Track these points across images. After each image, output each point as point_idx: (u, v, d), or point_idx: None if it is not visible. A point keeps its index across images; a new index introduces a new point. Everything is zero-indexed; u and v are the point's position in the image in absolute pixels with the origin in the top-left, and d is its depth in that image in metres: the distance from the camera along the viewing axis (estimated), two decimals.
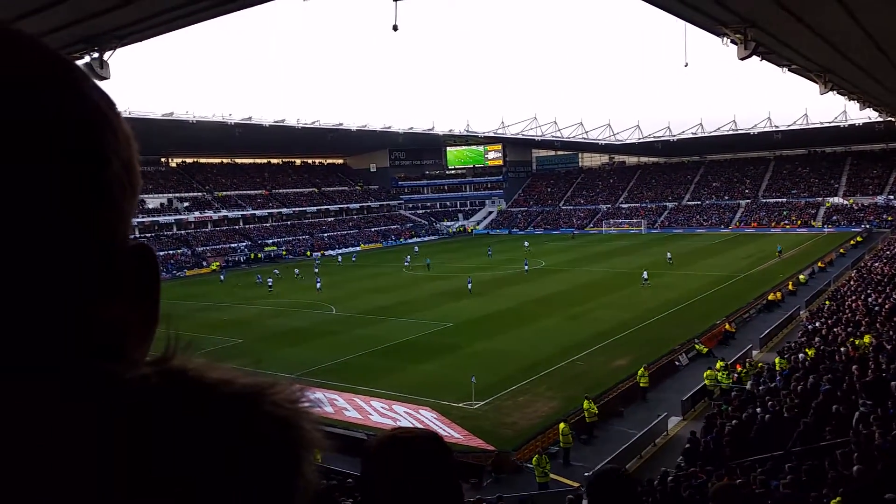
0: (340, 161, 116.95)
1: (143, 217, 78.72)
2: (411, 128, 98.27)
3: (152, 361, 0.49)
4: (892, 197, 77.53)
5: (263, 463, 0.46)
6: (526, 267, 53.71)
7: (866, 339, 19.62)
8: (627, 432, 19.61)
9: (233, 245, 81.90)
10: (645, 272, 45.69)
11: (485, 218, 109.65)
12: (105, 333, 0.47)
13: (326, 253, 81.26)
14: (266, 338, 35.00)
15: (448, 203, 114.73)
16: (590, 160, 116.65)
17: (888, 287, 27.48)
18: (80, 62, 13.10)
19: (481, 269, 55.96)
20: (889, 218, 71.31)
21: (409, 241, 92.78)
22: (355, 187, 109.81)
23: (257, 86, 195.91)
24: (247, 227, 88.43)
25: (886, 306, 23.29)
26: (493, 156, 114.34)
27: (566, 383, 24.63)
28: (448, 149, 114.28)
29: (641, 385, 23.21)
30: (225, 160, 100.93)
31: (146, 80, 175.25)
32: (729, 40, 17.76)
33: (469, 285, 45.84)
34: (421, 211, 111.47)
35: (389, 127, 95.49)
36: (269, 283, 51.88)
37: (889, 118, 52.51)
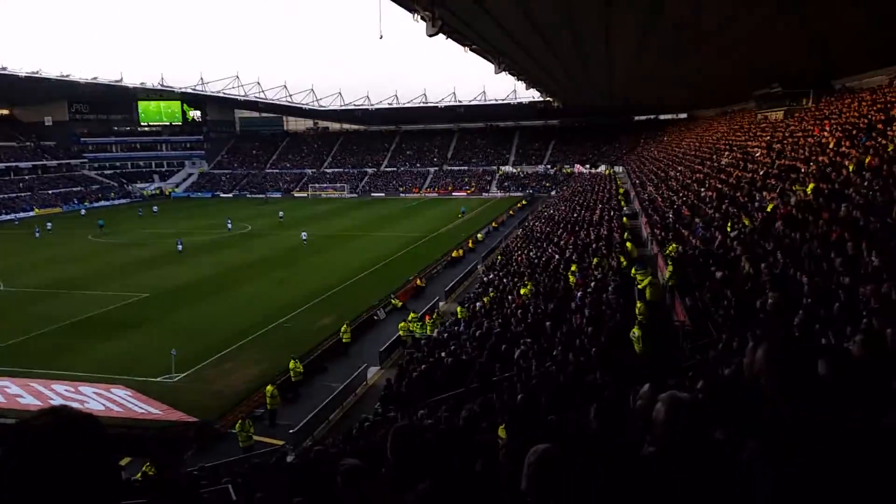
0: (6, 112, 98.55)
1: None
2: (96, 77, 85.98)
3: None
4: (549, 166, 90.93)
5: None
6: (304, 238, 49.22)
7: (528, 286, 23.11)
8: (330, 386, 20.63)
9: None
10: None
11: (184, 180, 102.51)
12: None
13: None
14: None
15: (141, 163, 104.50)
16: (295, 124, 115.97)
17: (544, 242, 32.53)
18: None
19: (187, 233, 52.33)
20: (547, 184, 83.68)
21: (97, 204, 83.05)
22: (26, 143, 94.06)
23: None
24: None
25: (543, 259, 27.66)
26: (193, 114, 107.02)
27: (273, 347, 24.83)
28: (140, 103, 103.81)
29: (344, 341, 24.50)
30: None
31: None
32: (419, 17, 19.23)
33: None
34: (109, 171, 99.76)
35: (69, 75, 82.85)
36: None
37: (547, 98, 61.36)
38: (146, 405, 19.69)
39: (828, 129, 26.14)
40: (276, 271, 38.22)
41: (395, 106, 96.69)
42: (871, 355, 4.23)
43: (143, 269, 39.52)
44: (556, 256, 26.32)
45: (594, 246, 25.40)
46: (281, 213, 65.10)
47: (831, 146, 22.17)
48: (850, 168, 17.71)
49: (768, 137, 32.54)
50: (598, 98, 59.86)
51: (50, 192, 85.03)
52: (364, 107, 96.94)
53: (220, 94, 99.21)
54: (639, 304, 13.36)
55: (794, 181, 19.99)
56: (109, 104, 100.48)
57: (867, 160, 17.45)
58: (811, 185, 17.75)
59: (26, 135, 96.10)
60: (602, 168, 79.79)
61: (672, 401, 2.42)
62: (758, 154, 29.90)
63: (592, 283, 19.44)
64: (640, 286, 17.87)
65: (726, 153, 35.12)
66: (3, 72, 74.64)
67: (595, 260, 22.26)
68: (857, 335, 4.61)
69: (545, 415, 9.78)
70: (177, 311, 29.99)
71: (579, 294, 18.74)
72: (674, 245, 19.59)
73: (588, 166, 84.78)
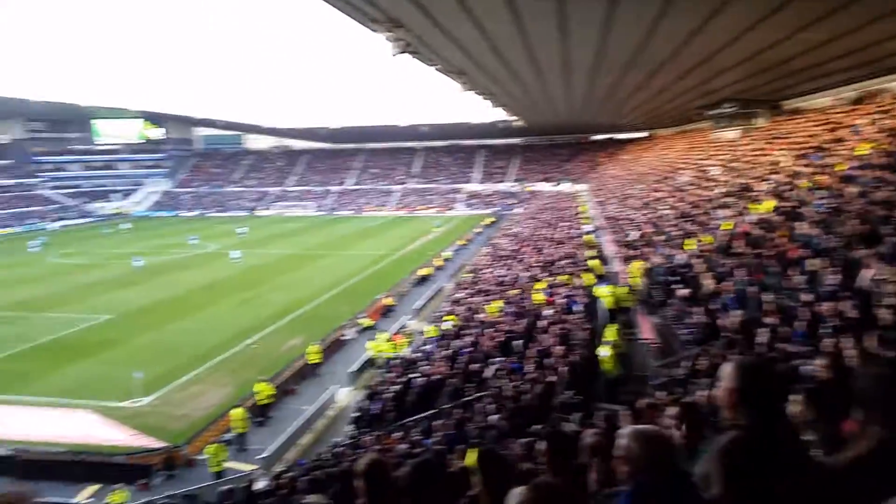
0: None
1: None
2: (50, 96, 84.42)
3: None
4: (514, 184, 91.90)
5: None
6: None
7: (496, 304, 23.33)
8: (301, 409, 20.46)
9: None
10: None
11: (145, 198, 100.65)
12: None
13: None
14: None
15: (102, 182, 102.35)
16: (257, 142, 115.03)
17: (511, 260, 32.91)
18: None
19: (149, 253, 51.34)
20: (512, 202, 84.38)
21: (54, 224, 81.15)
22: None
23: None
24: None
25: (511, 276, 27.98)
26: (153, 133, 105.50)
27: (240, 368, 24.56)
28: (97, 121, 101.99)
29: (312, 362, 24.35)
30: None
31: None
32: (384, 38, 19.49)
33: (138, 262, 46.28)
34: (67, 190, 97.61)
35: (20, 94, 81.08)
36: None
37: (510, 117, 62.18)
38: (112, 430, 19.34)
39: (782, 148, 27.13)
40: (240, 291, 37.80)
41: (358, 125, 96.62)
42: (835, 375, 4.51)
43: (106, 290, 38.71)
44: (524, 274, 26.64)
45: (559, 263, 25.81)
46: (241, 230, 64.71)
47: (784, 164, 23.06)
48: (805, 185, 18.46)
49: (725, 156, 33.59)
50: (559, 116, 60.94)
51: (5, 211, 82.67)
52: (326, 125, 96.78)
53: (179, 113, 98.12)
54: (614, 326, 13.63)
55: (751, 199, 20.73)
56: (66, 122, 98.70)
57: (819, 178, 18.23)
58: (769, 203, 18.43)
59: None
60: (565, 186, 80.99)
61: (643, 436, 2.53)
62: (715, 172, 30.85)
63: (559, 302, 19.79)
64: (603, 297, 18.34)
65: (684, 171, 36.12)
66: None
67: (562, 278, 22.62)
68: (818, 357, 4.91)
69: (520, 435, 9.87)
70: (141, 334, 29.43)
71: (549, 312, 19.04)
72: (638, 263, 20.08)
73: (552, 184, 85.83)
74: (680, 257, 18.22)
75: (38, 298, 36.88)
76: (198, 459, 17.73)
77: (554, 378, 12.92)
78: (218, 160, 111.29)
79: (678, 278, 16.27)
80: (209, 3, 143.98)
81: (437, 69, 28.01)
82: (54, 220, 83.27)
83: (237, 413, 18.92)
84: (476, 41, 21.79)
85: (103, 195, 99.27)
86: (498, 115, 57.98)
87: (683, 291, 14.87)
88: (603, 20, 17.97)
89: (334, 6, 17.26)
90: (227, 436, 18.99)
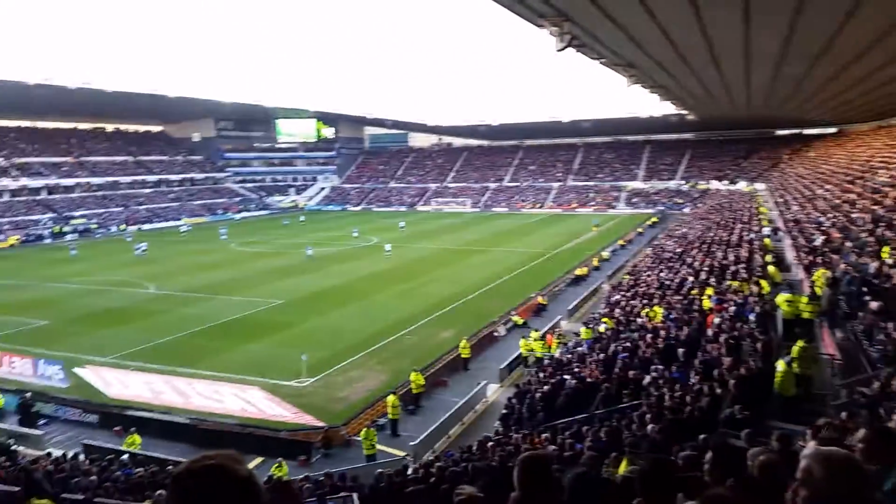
0: (159, 128, 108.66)
1: None
2: (239, 98, 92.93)
3: None
4: (682, 182, 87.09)
5: None
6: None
7: (658, 310, 22.11)
8: (451, 401, 20.68)
9: (34, 217, 73.52)
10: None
11: (317, 194, 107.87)
12: None
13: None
14: (77, 319, 32.22)
15: (279, 177, 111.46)
16: (420, 140, 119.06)
17: (677, 263, 31.06)
18: None
19: (322, 243, 54.87)
20: (679, 201, 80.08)
21: (237, 216, 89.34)
22: (176, 157, 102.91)
23: (62, 45, 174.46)
24: (51, 197, 79.69)
25: (676, 280, 26.39)
26: (326, 131, 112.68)
27: (396, 357, 25.38)
28: (279, 121, 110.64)
29: (463, 356, 24.53)
30: (24, 123, 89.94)
31: None
32: (548, 32, 19.05)
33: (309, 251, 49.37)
34: (250, 185, 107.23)
35: (214, 96, 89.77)
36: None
37: (681, 111, 58.94)
38: (279, 407, 20.66)
39: None
40: (399, 283, 39.13)
41: (518, 121, 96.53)
42: None
43: (279, 277, 41.77)
44: (690, 278, 25.03)
45: (733, 268, 23.94)
46: (402, 224, 67.36)
47: None
48: None
49: None
50: (737, 111, 56.70)
51: (197, 202, 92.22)
52: (487, 122, 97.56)
53: (352, 113, 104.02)
54: (800, 343, 12.25)
55: None
56: (251, 122, 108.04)
57: None
58: None
59: (176, 149, 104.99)
60: (741, 185, 75.40)
61: (829, 458, 2.15)
62: None
63: (731, 309, 18.29)
64: (780, 307, 16.65)
65: (881, 171, 32.13)
66: (156, 93, 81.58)
67: (734, 284, 20.95)
68: None
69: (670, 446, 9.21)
70: (308, 318, 31.40)
71: (716, 320, 17.68)
72: (822, 271, 18.04)
73: (726, 182, 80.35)
74: (872, 266, 16.12)
75: (223, 282, 40.53)
76: (354, 440, 18.45)
77: (720, 391, 11.89)
78: (383, 157, 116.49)
79: (869, 289, 14.41)
80: (371, 7, 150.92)
81: (602, 63, 27.05)
82: (237, 212, 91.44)
83: (391, 400, 19.47)
84: (649, 31, 20.68)
85: (281, 189, 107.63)
86: (666, 108, 55.24)
87: (875, 304, 13.12)
88: (795, 5, 16.23)
89: (501, 3, 17.07)
90: (381, 420, 19.63)
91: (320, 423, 19.25)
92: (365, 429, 17.84)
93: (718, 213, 47.31)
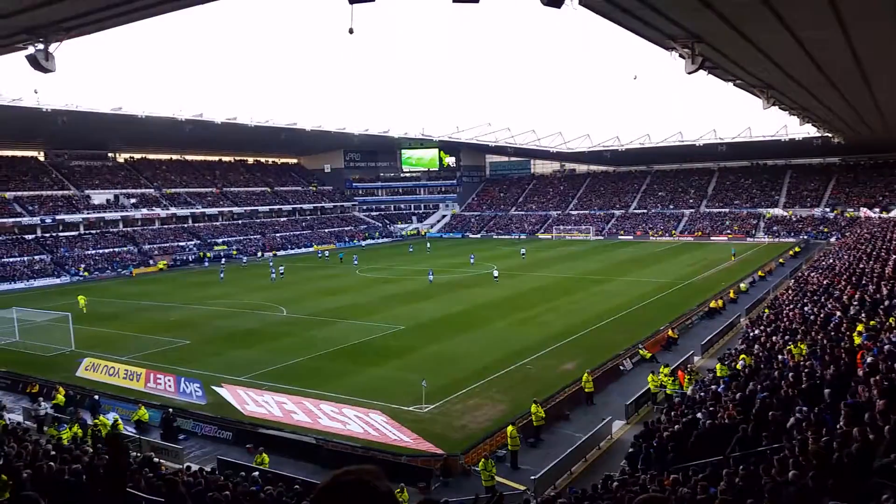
0: (294, 161, 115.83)
1: (88, 213, 76.85)
2: (366, 130, 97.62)
3: None
4: (828, 209, 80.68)
5: None
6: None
7: (802, 346, 20.33)
8: (573, 436, 19.92)
9: (181, 243, 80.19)
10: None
11: (438, 221, 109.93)
12: None
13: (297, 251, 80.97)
14: (215, 339, 34.42)
15: (402, 206, 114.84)
16: (541, 167, 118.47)
17: (823, 296, 28.58)
18: (23, 53, 12.71)
19: (439, 271, 55.70)
20: (825, 229, 74.20)
21: (363, 242, 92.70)
22: (309, 187, 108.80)
23: (210, 83, 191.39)
24: (196, 225, 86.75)
25: (821, 315, 24.24)
26: (448, 160, 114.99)
27: (515, 387, 24.91)
28: (403, 151, 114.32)
29: (586, 390, 23.63)
30: (174, 157, 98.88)
31: (95, 73, 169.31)
32: (677, 54, 18.28)
33: (430, 277, 50.39)
34: (375, 213, 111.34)
35: (344, 128, 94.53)
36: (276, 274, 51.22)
37: (826, 134, 54.83)
38: (399, 432, 20.78)
39: None
40: (519, 311, 38.68)
41: (647, 145, 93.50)
42: None
43: (401, 303, 42.59)
44: (838, 314, 22.88)
45: (886, 303, 21.65)
46: (523, 251, 66.87)
47: None
48: None
49: None
50: (890, 132, 51.95)
51: (326, 230, 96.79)
52: (613, 147, 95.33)
53: (473, 142, 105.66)
54: None
55: None
56: (376, 153, 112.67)
57: None
58: None
59: (309, 180, 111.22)
60: (895, 213, 68.84)
61: None
62: None
63: (885, 348, 16.46)
64: None
65: None
66: (293, 127, 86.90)
67: (890, 321, 18.90)
68: None
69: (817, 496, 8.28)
70: (429, 344, 31.67)
71: (868, 359, 15.98)
72: None
73: (878, 210, 73.65)
74: None
75: (348, 307, 41.87)
76: (473, 470, 18.17)
77: (872, 436, 10.61)
78: (504, 184, 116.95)
79: None
80: (494, 36, 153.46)
81: (736, 84, 25.69)
82: (363, 239, 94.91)
83: (511, 430, 19.05)
84: (790, 50, 19.36)
85: (404, 217, 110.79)
86: (809, 131, 51.67)
87: None
88: None
89: (628, 28, 16.59)
90: (500, 451, 19.23)
91: (439, 451, 19.13)
92: (483, 459, 17.52)
93: (869, 243, 43.30)
